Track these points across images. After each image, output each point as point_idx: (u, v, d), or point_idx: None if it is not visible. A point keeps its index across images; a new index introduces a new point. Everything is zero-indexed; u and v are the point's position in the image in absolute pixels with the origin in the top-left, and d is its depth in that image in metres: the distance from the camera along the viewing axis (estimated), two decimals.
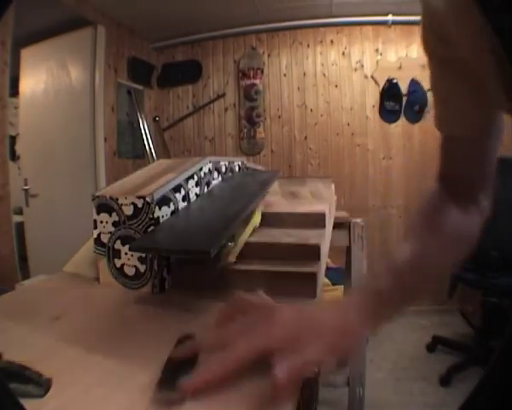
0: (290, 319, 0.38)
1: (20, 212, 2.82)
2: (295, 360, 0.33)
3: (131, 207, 0.62)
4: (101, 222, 0.65)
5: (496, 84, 0.39)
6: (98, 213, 0.65)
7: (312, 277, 0.58)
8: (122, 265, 0.64)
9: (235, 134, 3.26)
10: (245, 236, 0.68)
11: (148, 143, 3.08)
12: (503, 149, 0.52)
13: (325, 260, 0.77)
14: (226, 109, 3.27)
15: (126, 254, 0.63)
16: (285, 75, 3.17)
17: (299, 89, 3.15)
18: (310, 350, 0.34)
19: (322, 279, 0.68)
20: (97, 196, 0.65)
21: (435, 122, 0.51)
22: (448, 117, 0.50)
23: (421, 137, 2.95)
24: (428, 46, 0.47)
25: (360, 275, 1.59)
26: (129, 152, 3.01)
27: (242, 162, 1.21)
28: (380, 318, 0.42)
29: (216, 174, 0.93)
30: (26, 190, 2.82)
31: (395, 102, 2.97)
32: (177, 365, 0.36)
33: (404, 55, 2.97)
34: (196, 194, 0.80)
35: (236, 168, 1.13)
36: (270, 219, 0.78)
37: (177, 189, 0.71)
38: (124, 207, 0.63)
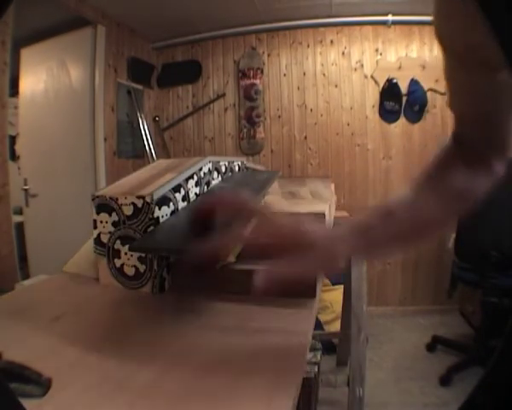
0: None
1: (20, 212, 2.82)
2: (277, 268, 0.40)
3: (131, 207, 0.62)
4: (101, 222, 0.65)
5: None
6: (98, 213, 0.65)
7: (312, 277, 0.58)
8: (122, 265, 0.64)
9: (235, 134, 3.26)
10: None
11: (148, 143, 3.08)
12: None
13: None
14: (226, 109, 3.27)
15: (126, 254, 0.63)
16: (285, 75, 3.17)
17: (298, 89, 3.15)
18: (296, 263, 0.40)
19: (322, 279, 0.68)
20: (97, 196, 0.65)
21: (448, 103, 0.53)
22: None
23: (420, 137, 2.94)
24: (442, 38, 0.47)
25: (360, 275, 1.59)
26: (129, 152, 3.01)
27: (242, 162, 1.21)
28: (366, 246, 0.45)
29: (216, 174, 0.93)
30: (25, 190, 2.82)
31: (395, 102, 2.97)
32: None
33: (403, 55, 2.97)
34: (196, 194, 0.80)
35: (236, 168, 1.13)
36: None
37: (176, 189, 0.71)
38: (123, 207, 0.63)
